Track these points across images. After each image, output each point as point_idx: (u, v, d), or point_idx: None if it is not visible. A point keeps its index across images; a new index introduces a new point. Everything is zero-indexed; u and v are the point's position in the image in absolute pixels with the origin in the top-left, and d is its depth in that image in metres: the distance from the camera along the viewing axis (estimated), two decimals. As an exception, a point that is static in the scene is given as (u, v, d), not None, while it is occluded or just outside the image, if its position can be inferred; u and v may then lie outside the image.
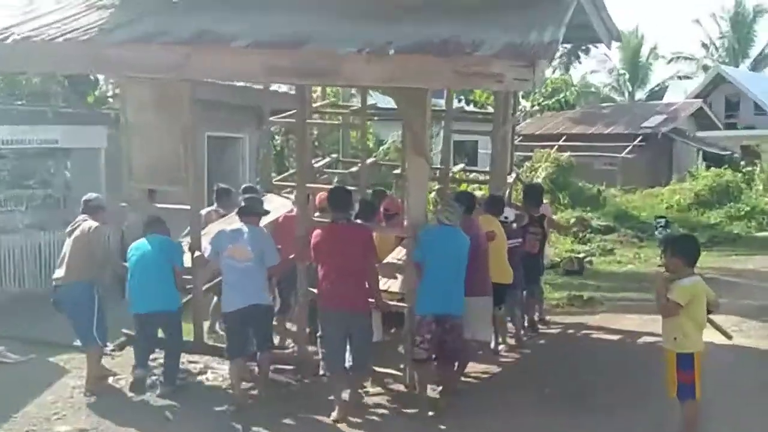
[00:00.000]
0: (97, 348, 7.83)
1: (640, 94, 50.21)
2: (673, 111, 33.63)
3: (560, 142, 29.35)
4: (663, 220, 17.56)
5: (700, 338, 5.69)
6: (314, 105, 11.79)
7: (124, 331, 8.61)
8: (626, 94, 50.15)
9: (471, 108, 19.34)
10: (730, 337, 6.37)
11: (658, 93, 50.21)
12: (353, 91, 12.88)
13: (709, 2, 68.88)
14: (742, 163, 30.68)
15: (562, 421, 7.06)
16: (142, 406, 7.45)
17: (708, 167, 29.10)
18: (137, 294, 7.63)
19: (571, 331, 11.28)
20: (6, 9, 8.87)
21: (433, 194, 13.35)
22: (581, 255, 16.90)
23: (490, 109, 14.55)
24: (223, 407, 7.27)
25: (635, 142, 30.85)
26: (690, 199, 25.73)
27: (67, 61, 7.54)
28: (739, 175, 27.79)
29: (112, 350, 8.65)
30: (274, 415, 7.14)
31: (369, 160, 12.62)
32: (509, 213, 9.63)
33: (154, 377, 7.92)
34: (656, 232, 16.79)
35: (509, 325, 9.82)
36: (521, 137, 23.90)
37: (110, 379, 8.17)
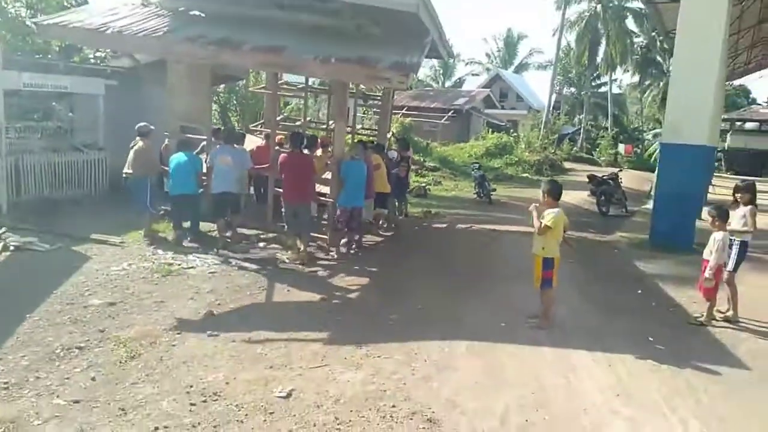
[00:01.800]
0: (150, 214, 8.53)
1: (448, 83, 50.53)
2: (471, 96, 34.15)
3: (403, 111, 29.05)
4: (477, 165, 17.70)
5: (557, 248, 5.59)
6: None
7: (164, 207, 8.98)
8: (440, 83, 50.33)
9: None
10: (574, 249, 6.39)
11: (459, 84, 50.80)
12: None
13: (490, 27, 70.04)
14: (511, 130, 31.70)
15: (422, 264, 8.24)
16: (153, 281, 6.60)
17: (492, 132, 29.81)
18: (174, 184, 8.28)
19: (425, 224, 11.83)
20: (99, 10, 9.01)
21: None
22: (423, 184, 16.84)
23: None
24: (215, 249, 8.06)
25: (449, 114, 31.05)
26: (482, 151, 26.30)
27: (145, 48, 8.59)
28: (511, 138, 28.66)
29: (161, 213, 9.02)
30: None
31: (307, 118, 13.71)
32: (391, 153, 11.07)
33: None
34: (472, 172, 16.89)
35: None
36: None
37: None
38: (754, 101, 47.70)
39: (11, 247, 7.37)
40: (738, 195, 6.35)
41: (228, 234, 8.45)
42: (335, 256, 8.24)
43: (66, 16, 8.71)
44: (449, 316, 5.88)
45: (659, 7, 15.68)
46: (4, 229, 7.87)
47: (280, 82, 11.72)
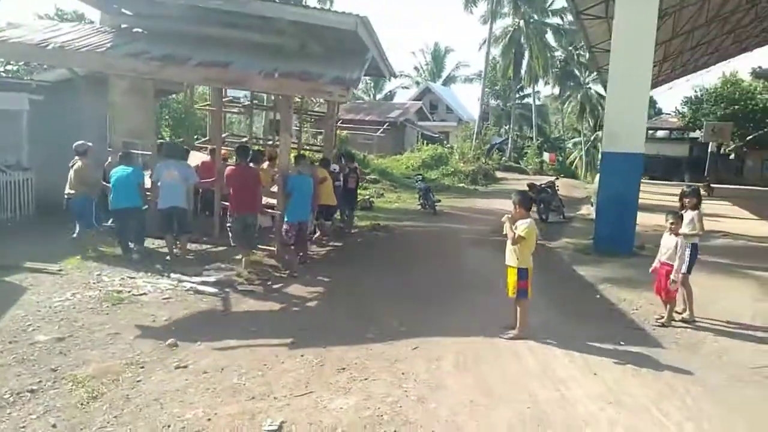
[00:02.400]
0: (95, 232, 8.67)
1: (379, 96, 50.93)
2: (405, 108, 34.57)
3: (338, 124, 28.86)
4: (420, 176, 17.86)
5: (530, 258, 5.63)
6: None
7: (107, 223, 9.07)
8: (371, 95, 50.65)
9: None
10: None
11: (390, 97, 51.32)
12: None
13: (419, 41, 71.26)
14: (445, 142, 32.32)
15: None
16: (104, 311, 6.08)
17: (427, 144, 30.28)
18: (117, 197, 8.18)
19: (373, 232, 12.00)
20: (39, 26, 9.20)
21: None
22: (367, 197, 16.79)
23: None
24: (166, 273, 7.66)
25: (384, 127, 31.23)
26: (419, 163, 26.64)
27: (88, 63, 8.31)
28: (446, 149, 29.22)
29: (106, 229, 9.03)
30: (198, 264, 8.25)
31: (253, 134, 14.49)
32: (335, 167, 11.35)
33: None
34: (416, 184, 17.00)
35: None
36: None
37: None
38: (660, 111, 51.30)
39: (-67, 281, 6.61)
40: (686, 200, 6.69)
41: (177, 249, 8.41)
42: (284, 270, 8.18)
43: (6, 32, 8.51)
44: (426, 331, 5.78)
45: (585, 23, 16.48)
46: None
47: (224, 99, 11.41)
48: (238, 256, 8.26)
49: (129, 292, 6.80)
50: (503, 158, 37.55)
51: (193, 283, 7.24)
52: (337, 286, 7.73)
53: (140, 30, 8.86)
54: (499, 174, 31.19)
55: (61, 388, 4.43)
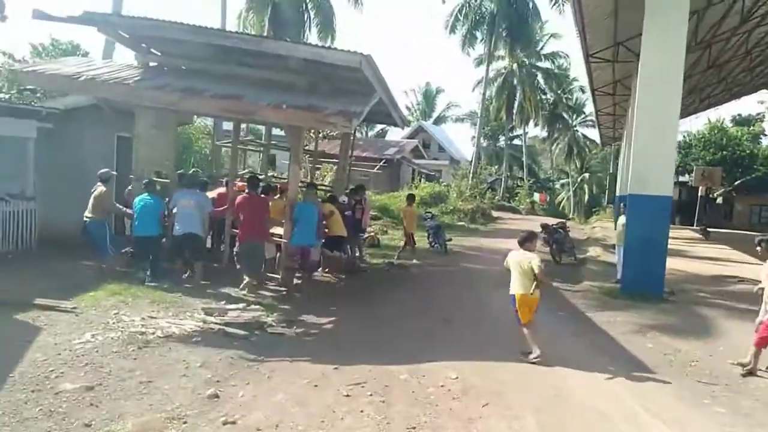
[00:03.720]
0: (110, 257, 8.89)
1: (371, 133, 51.05)
2: (401, 146, 34.54)
3: (334, 160, 28.68)
4: (430, 214, 17.59)
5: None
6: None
7: (126, 249, 9.32)
8: (363, 133, 50.72)
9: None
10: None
11: (382, 134, 51.44)
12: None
13: (411, 81, 72.16)
14: (441, 180, 32.29)
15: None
16: (130, 355, 5.54)
17: (424, 181, 30.18)
18: (139, 225, 8.62)
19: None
20: (73, 61, 9.78)
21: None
22: (372, 233, 16.40)
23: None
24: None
25: (381, 164, 31.04)
26: (417, 201, 26.36)
27: (116, 94, 8.45)
28: (444, 187, 29.12)
29: (126, 253, 9.29)
30: (208, 287, 8.44)
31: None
32: (343, 198, 11.65)
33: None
34: (425, 222, 16.68)
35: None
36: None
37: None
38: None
39: (-61, 320, 6.02)
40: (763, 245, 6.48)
41: (188, 274, 8.86)
42: (284, 289, 8.62)
43: (43, 65, 9.26)
44: (484, 384, 5.34)
45: (592, 66, 16.66)
46: (-74, 297, 6.46)
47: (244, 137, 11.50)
48: (246, 280, 8.46)
49: (153, 333, 6.26)
50: (496, 197, 37.58)
51: (219, 325, 6.73)
52: (379, 331, 7.25)
53: (165, 68, 9.41)
54: (494, 213, 31.13)
55: (98, 448, 3.91)
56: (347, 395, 4.93)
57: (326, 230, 10.05)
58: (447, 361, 5.97)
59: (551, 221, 17.02)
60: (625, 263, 10.21)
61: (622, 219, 11.09)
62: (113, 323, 6.54)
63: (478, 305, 9.06)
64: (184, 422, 4.37)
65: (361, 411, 4.62)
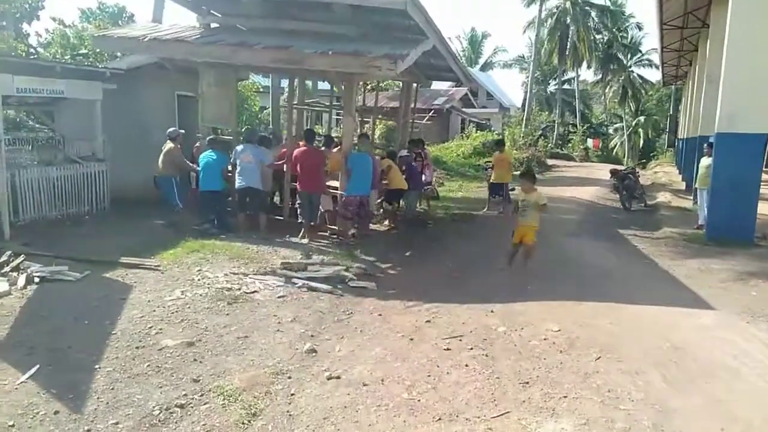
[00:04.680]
0: (178, 207, 9.37)
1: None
2: (450, 95, 33.51)
3: (383, 112, 28.19)
4: (490, 164, 17.04)
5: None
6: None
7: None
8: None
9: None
10: None
11: (427, 84, 50.20)
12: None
13: (455, 27, 69.75)
14: (492, 128, 31.35)
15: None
16: (222, 311, 5.55)
17: (476, 131, 29.38)
18: (204, 180, 8.86)
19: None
20: (140, 26, 10.08)
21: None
22: (433, 186, 16.06)
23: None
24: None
25: (430, 114, 30.33)
26: (470, 150, 25.83)
27: (175, 52, 8.82)
28: (497, 135, 28.26)
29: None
30: (272, 238, 8.47)
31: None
32: (401, 152, 11.38)
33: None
34: (485, 171, 16.23)
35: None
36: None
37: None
38: None
39: (36, 279, 6.16)
40: None
41: (245, 225, 8.96)
42: (345, 241, 8.70)
43: (113, 30, 10.43)
44: (591, 334, 5.10)
45: (663, -2, 15.39)
46: (22, 258, 6.63)
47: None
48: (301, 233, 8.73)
49: (239, 289, 6.27)
50: (548, 145, 36.30)
51: (303, 279, 6.68)
52: (459, 282, 7.10)
53: (224, 28, 9.59)
54: (548, 161, 30.12)
55: (211, 403, 3.90)
56: (447, 349, 4.79)
57: (385, 183, 10.20)
58: (539, 307, 5.76)
59: (619, 167, 16.26)
60: (711, 207, 9.59)
61: (705, 161, 10.40)
62: (198, 280, 6.58)
63: (560, 254, 8.72)
64: (289, 377, 4.33)
65: (466, 365, 4.46)
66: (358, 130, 14.83)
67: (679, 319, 5.41)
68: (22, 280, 6.01)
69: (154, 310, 5.55)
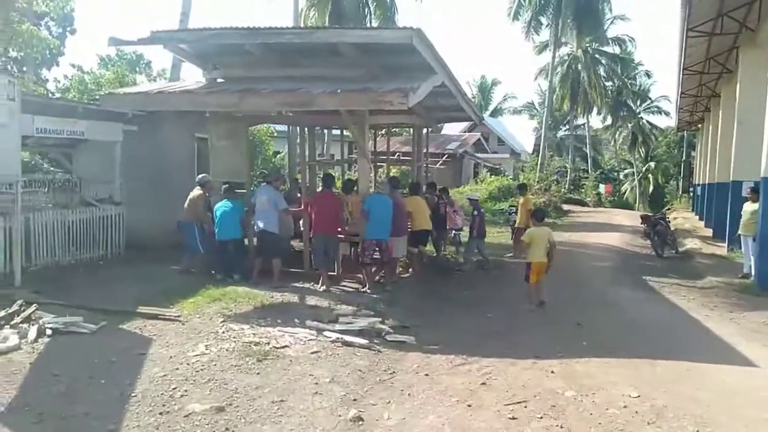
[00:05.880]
0: (200, 253, 8.85)
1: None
2: (463, 140, 33.51)
3: (395, 157, 28.10)
4: (513, 208, 16.63)
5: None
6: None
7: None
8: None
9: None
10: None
11: (438, 129, 50.49)
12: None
13: (466, 75, 70.46)
14: (506, 173, 31.11)
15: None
16: (253, 370, 4.99)
17: (491, 175, 29.14)
18: (221, 229, 8.61)
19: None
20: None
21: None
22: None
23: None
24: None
25: (443, 158, 30.22)
26: (485, 195, 25.43)
27: (183, 104, 8.32)
28: (511, 180, 28.01)
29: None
30: (289, 286, 8.08)
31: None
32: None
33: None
34: (509, 216, 15.79)
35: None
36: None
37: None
38: None
39: (48, 331, 5.64)
40: None
41: (257, 274, 8.47)
42: (362, 287, 8.26)
43: (120, 89, 10.44)
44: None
45: (689, 41, 15.23)
46: (34, 307, 6.13)
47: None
48: (323, 277, 8.25)
49: (268, 343, 5.73)
50: (561, 190, 35.95)
51: (336, 333, 6.13)
52: (505, 336, 6.51)
53: (230, 78, 9.21)
54: (563, 206, 29.68)
55: (250, 485, 3.32)
56: (513, 418, 4.19)
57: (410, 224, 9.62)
58: (604, 367, 5.16)
59: (649, 213, 15.78)
60: (761, 255, 9.03)
61: (749, 206, 9.88)
62: (223, 332, 6.06)
63: (604, 305, 8.13)
64: (341, 451, 3.75)
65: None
66: (373, 174, 14.56)
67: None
68: (33, 333, 5.51)
69: (177, 368, 5.01)
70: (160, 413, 4.16)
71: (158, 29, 8.33)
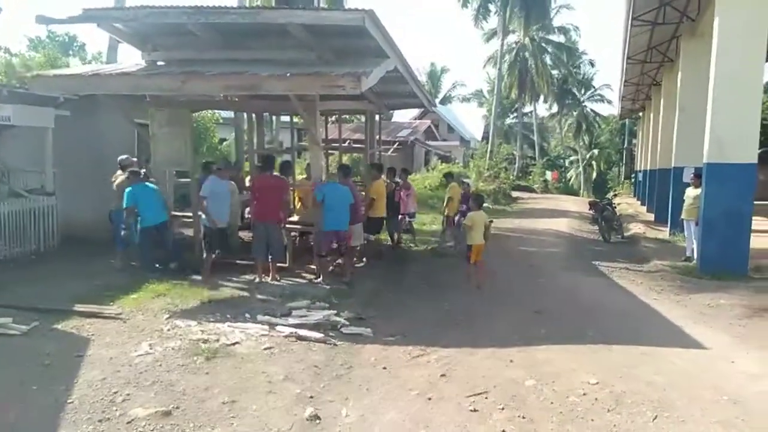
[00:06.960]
0: (133, 244, 8.36)
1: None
2: (414, 127, 33.39)
3: (346, 144, 27.79)
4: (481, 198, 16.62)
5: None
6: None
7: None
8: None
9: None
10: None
11: (388, 116, 50.32)
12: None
13: (415, 62, 70.46)
14: (456, 160, 31.34)
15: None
16: (201, 369, 4.72)
17: (441, 163, 29.27)
18: (148, 215, 8.10)
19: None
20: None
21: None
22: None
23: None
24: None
25: (395, 146, 30.07)
26: (437, 182, 25.57)
27: (120, 86, 7.80)
28: (462, 168, 28.23)
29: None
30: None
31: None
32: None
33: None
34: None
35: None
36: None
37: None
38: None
39: (-28, 335, 5.18)
40: None
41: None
42: (323, 284, 7.81)
43: (50, 71, 9.51)
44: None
45: (632, 31, 15.63)
46: (-46, 309, 5.62)
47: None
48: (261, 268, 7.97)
49: (217, 341, 5.45)
50: (510, 177, 36.59)
51: (290, 327, 5.90)
52: (462, 324, 6.45)
53: (171, 60, 8.68)
54: (512, 193, 30.22)
55: (199, 496, 3.09)
56: (474, 410, 4.11)
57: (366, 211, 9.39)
58: (563, 354, 5.17)
59: (596, 199, 16.17)
60: (703, 239, 9.36)
61: (692, 191, 10.23)
62: (168, 330, 5.74)
63: (558, 291, 8.23)
64: (293, 454, 3.56)
65: (503, 431, 3.80)
66: (324, 162, 14.30)
67: (723, 367, 4.91)
68: (-47, 337, 5.02)
69: (119, 370, 4.68)
70: (100, 420, 3.85)
71: (91, 6, 7.76)
